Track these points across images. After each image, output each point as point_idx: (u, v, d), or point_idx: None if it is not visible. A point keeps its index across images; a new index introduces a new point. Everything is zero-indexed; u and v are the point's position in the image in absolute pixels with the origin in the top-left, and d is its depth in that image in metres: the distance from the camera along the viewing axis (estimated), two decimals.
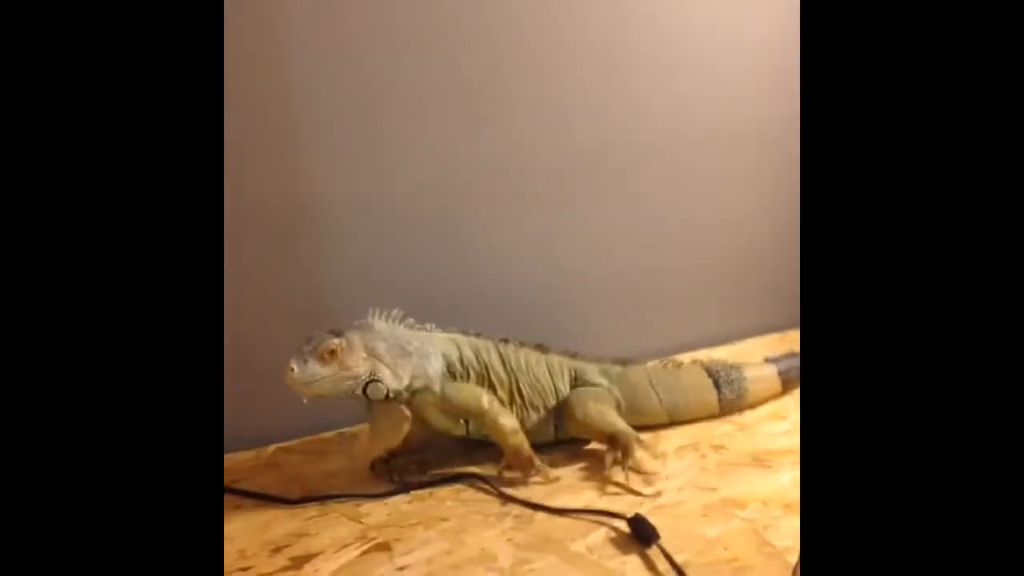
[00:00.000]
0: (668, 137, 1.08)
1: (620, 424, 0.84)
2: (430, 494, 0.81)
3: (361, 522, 0.77)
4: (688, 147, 1.10)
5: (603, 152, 1.06)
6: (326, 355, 0.76)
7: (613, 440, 0.83)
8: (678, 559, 0.66)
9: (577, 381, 0.89)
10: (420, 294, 1.00)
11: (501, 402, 0.84)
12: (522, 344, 0.89)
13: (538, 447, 0.84)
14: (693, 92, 1.08)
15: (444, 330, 0.86)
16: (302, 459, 0.92)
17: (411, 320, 0.84)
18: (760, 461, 0.83)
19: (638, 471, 0.81)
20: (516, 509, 0.77)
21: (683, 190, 1.11)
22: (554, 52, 1.01)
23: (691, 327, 1.14)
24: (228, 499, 0.82)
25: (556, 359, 0.90)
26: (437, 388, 0.82)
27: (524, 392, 0.87)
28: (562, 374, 0.89)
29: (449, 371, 0.83)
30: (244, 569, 0.70)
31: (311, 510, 0.80)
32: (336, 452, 0.93)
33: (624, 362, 0.93)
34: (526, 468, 0.82)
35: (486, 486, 0.81)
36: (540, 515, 0.75)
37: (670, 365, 0.95)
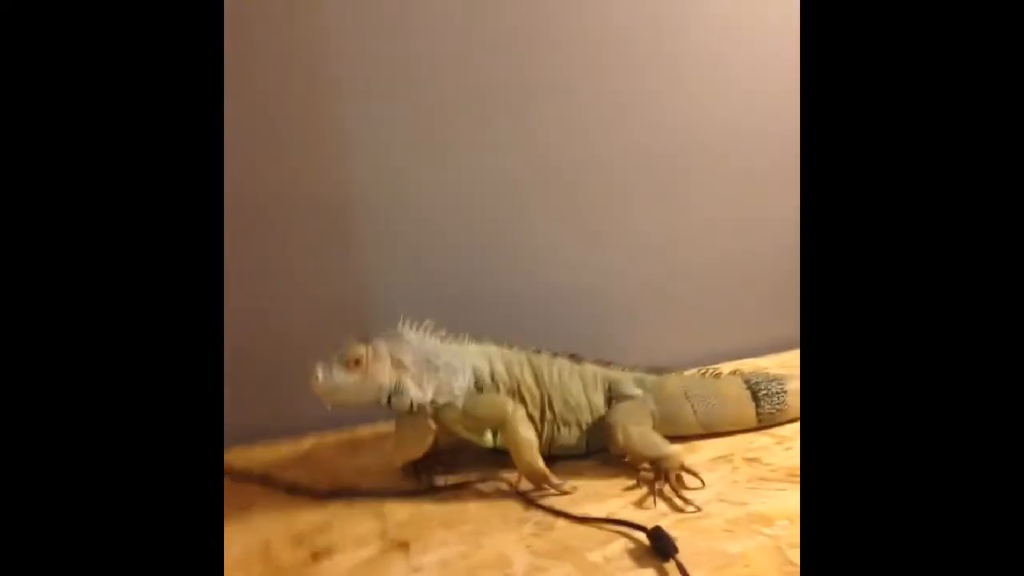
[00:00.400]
0: (715, 139, 1.07)
1: (664, 448, 0.81)
2: (455, 495, 0.81)
3: (384, 520, 0.77)
4: (737, 149, 1.08)
5: (651, 154, 1.05)
6: (352, 363, 0.76)
7: (656, 464, 0.80)
8: (695, 575, 0.64)
9: (612, 392, 0.88)
10: (459, 293, 1.00)
11: (530, 417, 0.83)
12: (555, 354, 0.88)
13: (566, 458, 0.83)
14: (745, 91, 1.06)
15: (478, 341, 0.85)
16: (335, 452, 0.94)
17: (443, 332, 0.84)
18: (795, 476, 0.80)
19: (677, 495, 0.77)
20: (538, 515, 0.76)
21: (730, 191, 1.09)
22: (604, 49, 1.00)
23: (735, 334, 1.12)
24: (260, 490, 0.85)
25: (590, 369, 0.88)
26: (461, 405, 0.81)
27: (556, 408, 0.85)
28: (596, 385, 0.88)
29: (478, 386, 0.83)
30: (265, 560, 0.72)
31: (338, 505, 0.81)
32: (370, 447, 0.95)
33: (659, 371, 0.91)
34: (540, 484, 0.80)
35: (511, 490, 0.81)
36: (561, 522, 0.75)
37: (708, 375, 0.93)
